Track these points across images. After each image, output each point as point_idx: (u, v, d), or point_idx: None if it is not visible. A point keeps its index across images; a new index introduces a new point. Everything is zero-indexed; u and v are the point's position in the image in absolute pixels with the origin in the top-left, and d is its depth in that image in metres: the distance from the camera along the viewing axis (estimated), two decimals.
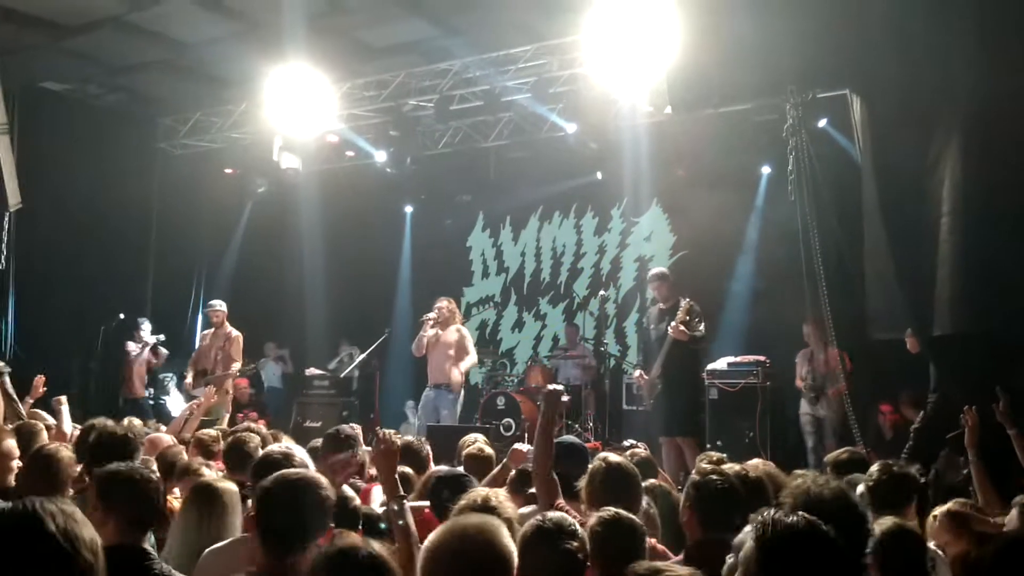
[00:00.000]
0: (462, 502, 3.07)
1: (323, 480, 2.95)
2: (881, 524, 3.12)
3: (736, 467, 4.03)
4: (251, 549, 2.79)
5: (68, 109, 12.16)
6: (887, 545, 2.97)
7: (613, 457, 3.84)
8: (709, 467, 3.56)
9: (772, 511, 2.24)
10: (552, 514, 2.82)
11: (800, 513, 2.25)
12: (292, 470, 3.05)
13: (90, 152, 11.71)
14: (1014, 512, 3.64)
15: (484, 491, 3.07)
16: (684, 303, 8.11)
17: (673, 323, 8.00)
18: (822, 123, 9.46)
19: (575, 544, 2.67)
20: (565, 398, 4.14)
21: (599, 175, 12.62)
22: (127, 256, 12.66)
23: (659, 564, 2.05)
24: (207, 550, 3.31)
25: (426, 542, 2.38)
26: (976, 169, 5.93)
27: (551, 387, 4.14)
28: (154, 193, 13.13)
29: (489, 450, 5.68)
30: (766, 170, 11.29)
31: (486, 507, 2.96)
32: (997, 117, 5.83)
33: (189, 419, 6.97)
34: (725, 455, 5.67)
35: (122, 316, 11.15)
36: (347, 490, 4.15)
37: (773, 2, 6.54)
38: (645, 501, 3.86)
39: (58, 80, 12.04)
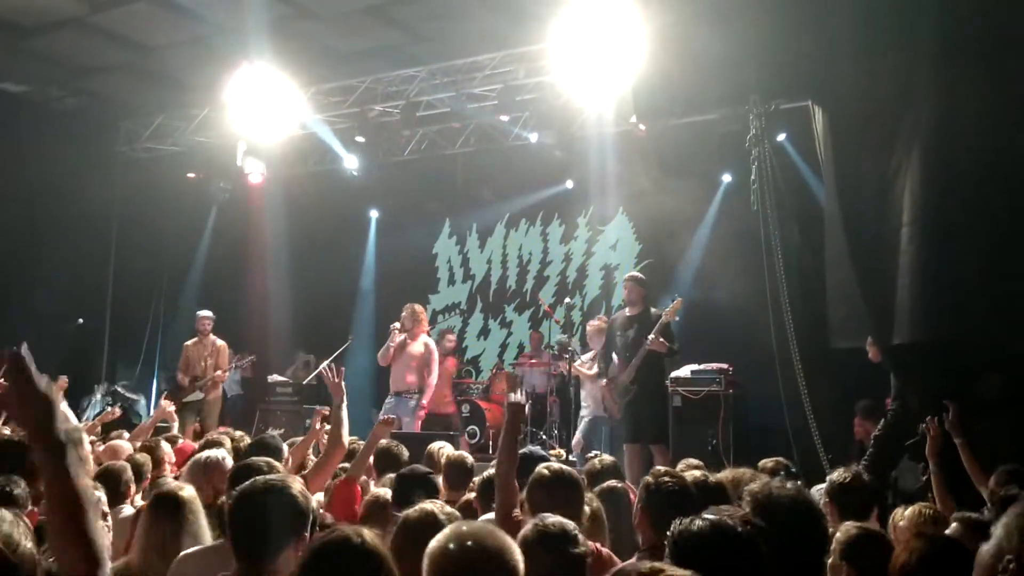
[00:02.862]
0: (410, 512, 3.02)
1: (295, 485, 2.90)
2: (846, 529, 3.15)
3: (698, 473, 4.03)
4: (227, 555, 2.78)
5: (28, 111, 11.97)
6: (856, 550, 3.01)
7: (555, 464, 3.83)
8: (662, 469, 3.57)
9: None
10: (552, 518, 2.76)
11: (707, 516, 2.28)
12: (262, 477, 3.01)
13: (50, 155, 11.53)
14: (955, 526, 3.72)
15: (431, 505, 3.02)
16: (672, 303, 8.24)
17: (651, 336, 8.03)
18: (781, 137, 9.55)
19: (582, 550, 2.63)
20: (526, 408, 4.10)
21: (569, 183, 12.65)
22: (87, 260, 12.50)
23: (660, 564, 2.02)
24: (182, 554, 3.30)
25: (431, 546, 2.25)
26: (936, 180, 5.98)
27: (513, 398, 4.05)
28: (115, 197, 12.99)
29: (471, 459, 5.66)
30: (727, 178, 11.37)
31: (434, 519, 2.91)
32: (957, 128, 5.90)
33: (144, 426, 7.09)
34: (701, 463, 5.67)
35: (80, 321, 10.98)
36: None
37: (736, 13, 6.56)
38: (595, 505, 3.84)
39: (17, 82, 11.87)
